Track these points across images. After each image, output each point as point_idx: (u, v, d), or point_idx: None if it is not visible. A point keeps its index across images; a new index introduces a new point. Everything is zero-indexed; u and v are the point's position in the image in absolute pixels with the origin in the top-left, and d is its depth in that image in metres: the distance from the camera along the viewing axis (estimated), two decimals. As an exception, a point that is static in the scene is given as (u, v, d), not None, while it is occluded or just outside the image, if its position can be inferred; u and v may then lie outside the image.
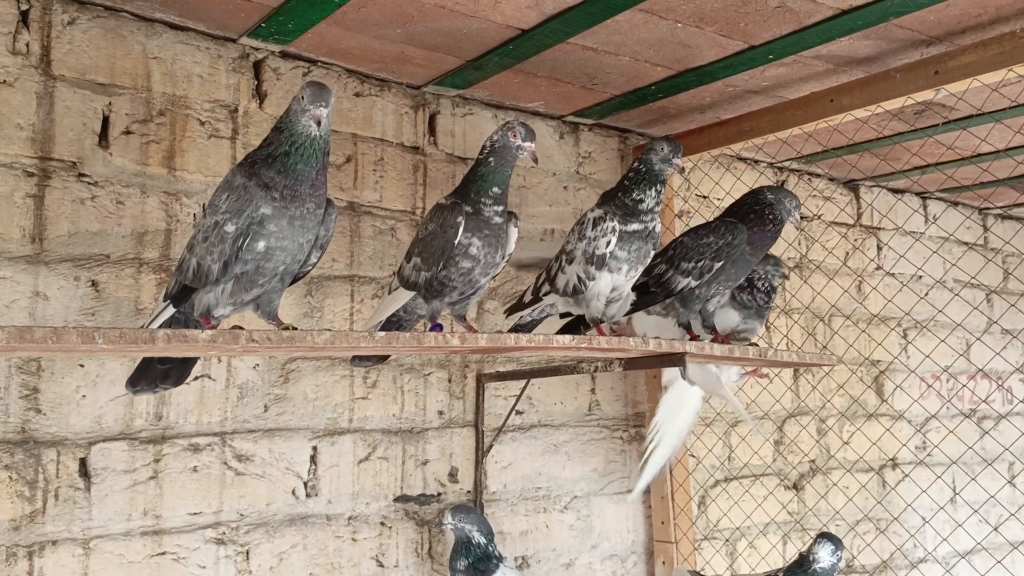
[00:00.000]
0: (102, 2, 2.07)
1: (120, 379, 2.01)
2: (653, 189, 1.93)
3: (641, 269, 1.99)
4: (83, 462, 2.00)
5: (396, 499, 2.44)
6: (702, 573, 2.80)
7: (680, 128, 2.90)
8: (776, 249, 2.43)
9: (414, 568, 2.44)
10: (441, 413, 2.55)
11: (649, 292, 2.17)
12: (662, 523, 2.89)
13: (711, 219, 2.31)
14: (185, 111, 2.19)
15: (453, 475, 2.55)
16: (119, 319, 2.06)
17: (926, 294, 3.30)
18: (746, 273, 2.26)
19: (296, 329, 1.56)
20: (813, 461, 3.37)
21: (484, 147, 1.81)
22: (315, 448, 2.32)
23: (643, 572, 2.92)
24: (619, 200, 1.95)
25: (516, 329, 2.22)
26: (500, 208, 1.80)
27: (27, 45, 2.00)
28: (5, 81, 1.97)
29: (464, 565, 2.17)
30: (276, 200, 1.51)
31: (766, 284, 2.43)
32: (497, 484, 2.63)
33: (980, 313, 3.64)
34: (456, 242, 1.76)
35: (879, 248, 3.72)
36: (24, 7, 2.00)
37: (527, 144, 1.78)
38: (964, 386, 3.92)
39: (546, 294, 2.07)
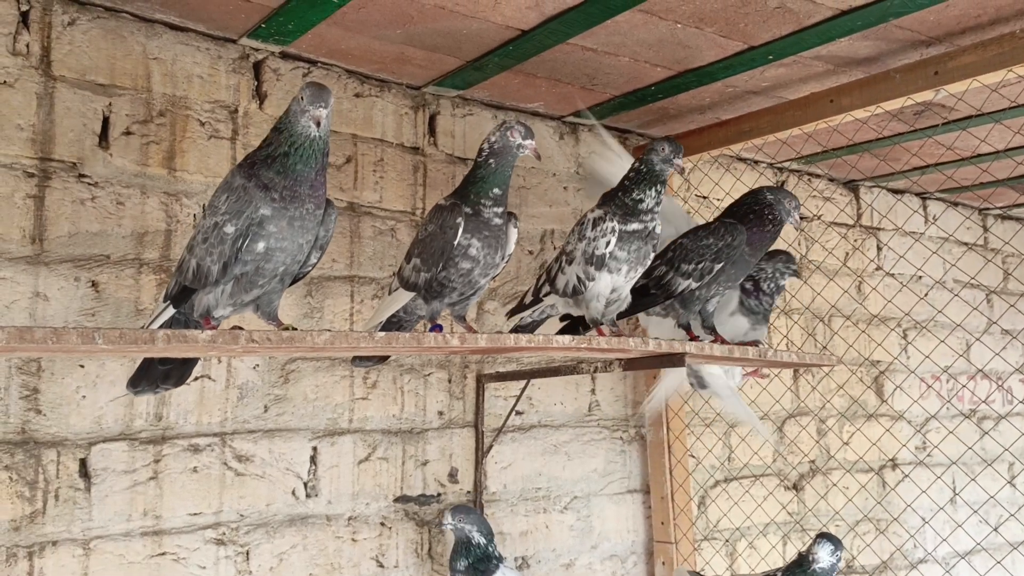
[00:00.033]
0: (102, 3, 2.07)
1: (120, 380, 2.01)
2: (653, 189, 1.93)
3: (641, 270, 1.99)
4: (83, 462, 2.00)
5: (396, 499, 2.44)
6: (702, 574, 2.80)
7: (680, 129, 2.90)
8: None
9: (414, 568, 2.44)
10: (441, 413, 2.55)
11: (649, 294, 2.17)
12: (662, 523, 2.89)
13: (710, 219, 2.31)
14: (185, 112, 2.19)
15: (453, 475, 2.55)
16: (119, 320, 2.06)
17: (926, 294, 3.30)
18: (745, 273, 2.25)
19: (296, 329, 1.56)
20: (813, 461, 3.37)
21: (482, 149, 1.80)
22: (315, 448, 2.32)
23: (643, 572, 2.92)
24: (619, 200, 1.94)
25: (517, 330, 2.22)
26: (500, 209, 1.80)
27: (27, 46, 2.00)
28: (5, 82, 1.97)
29: (464, 565, 2.17)
30: (275, 201, 1.51)
31: (772, 285, 2.35)
32: (497, 484, 2.63)
33: (980, 313, 3.64)
34: (455, 243, 1.76)
35: (879, 248, 3.72)
36: (24, 8, 2.00)
37: (528, 142, 1.78)
38: (964, 386, 3.92)
39: (546, 295, 2.07)
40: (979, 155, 3.07)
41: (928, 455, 3.67)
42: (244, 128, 2.27)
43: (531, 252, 2.79)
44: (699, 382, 2.45)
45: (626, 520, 2.92)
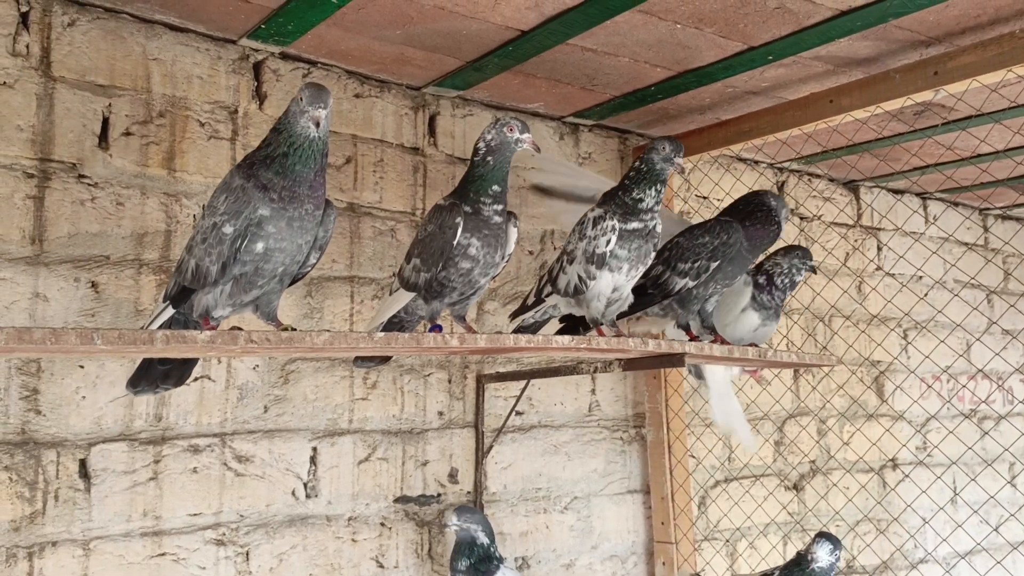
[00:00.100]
0: (102, 4, 2.07)
1: (120, 380, 2.01)
2: (653, 188, 1.93)
3: (642, 269, 1.99)
4: (83, 463, 2.00)
5: (396, 500, 2.44)
6: (701, 574, 2.80)
7: (680, 129, 2.90)
8: (776, 250, 2.43)
9: (414, 569, 2.44)
10: (441, 414, 2.55)
11: (647, 294, 2.17)
12: (662, 524, 2.89)
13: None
14: (185, 112, 2.19)
15: (453, 476, 2.55)
16: (119, 320, 2.06)
17: (926, 294, 3.30)
18: (743, 272, 2.25)
19: (295, 330, 1.56)
20: (813, 462, 3.37)
21: (478, 147, 1.78)
22: (315, 449, 2.32)
23: (643, 573, 2.92)
24: (619, 199, 1.94)
25: (519, 331, 2.22)
26: (500, 207, 1.80)
27: (27, 47, 2.00)
28: (5, 83, 1.97)
29: (465, 566, 2.17)
30: (274, 201, 1.51)
31: (787, 280, 2.28)
32: (497, 485, 2.63)
33: (980, 313, 3.64)
34: (455, 243, 1.76)
35: (879, 248, 3.72)
36: (24, 9, 2.00)
37: (525, 136, 1.77)
38: (964, 386, 3.92)
39: (548, 295, 2.07)
40: (979, 155, 3.07)
41: (928, 455, 3.67)
42: (244, 129, 2.27)
43: (531, 252, 2.79)
44: (696, 371, 2.46)
45: (626, 520, 2.91)
